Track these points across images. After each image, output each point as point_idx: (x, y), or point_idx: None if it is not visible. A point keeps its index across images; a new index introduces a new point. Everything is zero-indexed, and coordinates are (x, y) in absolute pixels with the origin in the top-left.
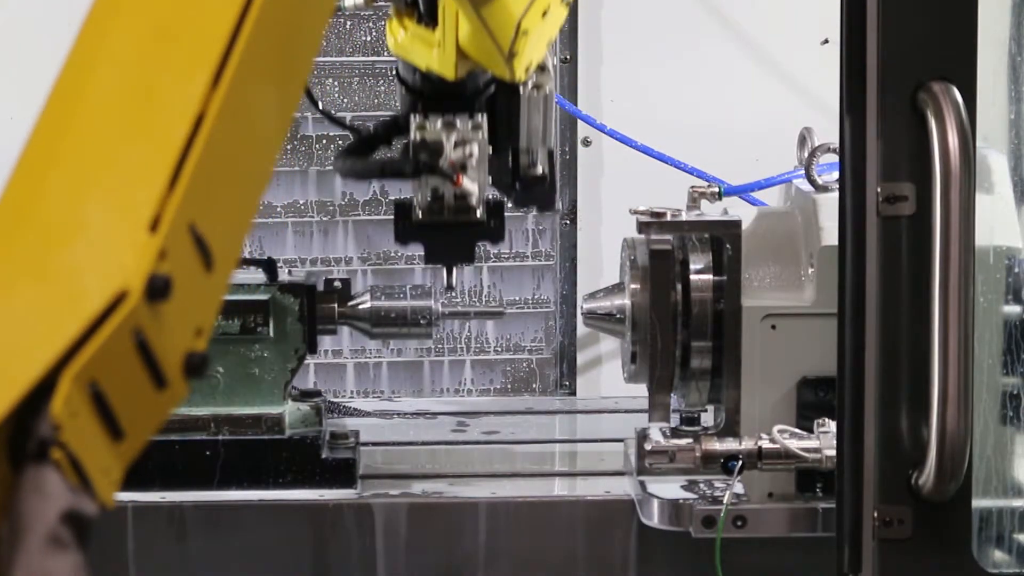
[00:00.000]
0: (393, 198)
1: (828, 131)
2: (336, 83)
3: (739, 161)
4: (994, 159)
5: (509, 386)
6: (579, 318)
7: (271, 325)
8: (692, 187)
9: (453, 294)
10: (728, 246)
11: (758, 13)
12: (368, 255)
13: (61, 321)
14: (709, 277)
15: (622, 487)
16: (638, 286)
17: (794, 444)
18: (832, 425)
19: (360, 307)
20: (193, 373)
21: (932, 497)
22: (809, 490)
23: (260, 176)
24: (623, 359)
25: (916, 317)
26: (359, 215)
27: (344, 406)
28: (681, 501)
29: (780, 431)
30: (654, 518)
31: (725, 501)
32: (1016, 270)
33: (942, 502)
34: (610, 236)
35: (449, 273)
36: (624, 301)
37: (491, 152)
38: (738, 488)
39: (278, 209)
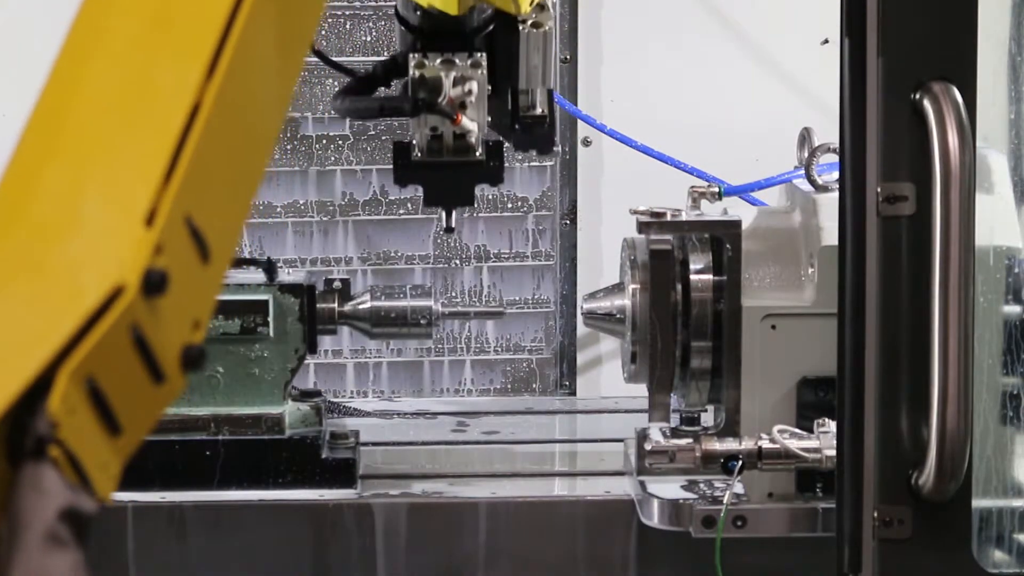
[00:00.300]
0: (394, 197)
1: (828, 131)
2: (336, 83)
3: (739, 161)
4: (994, 159)
5: (509, 386)
6: (579, 318)
7: (271, 325)
8: (692, 187)
9: (457, 231)
10: (728, 246)
11: (758, 13)
12: (368, 255)
13: (57, 317)
14: (709, 277)
15: (622, 487)
16: (638, 286)
17: (794, 444)
18: (832, 425)
19: (360, 307)
20: (191, 366)
21: (932, 497)
22: (809, 490)
23: (256, 166)
24: (623, 359)
25: (916, 317)
26: (359, 215)
27: (344, 406)
28: (681, 501)
29: (780, 431)
30: (654, 518)
31: (725, 501)
32: (1016, 270)
33: (942, 502)
34: (610, 236)
35: (448, 215)
36: (624, 301)
37: (490, 93)
38: (738, 488)
39: (278, 209)
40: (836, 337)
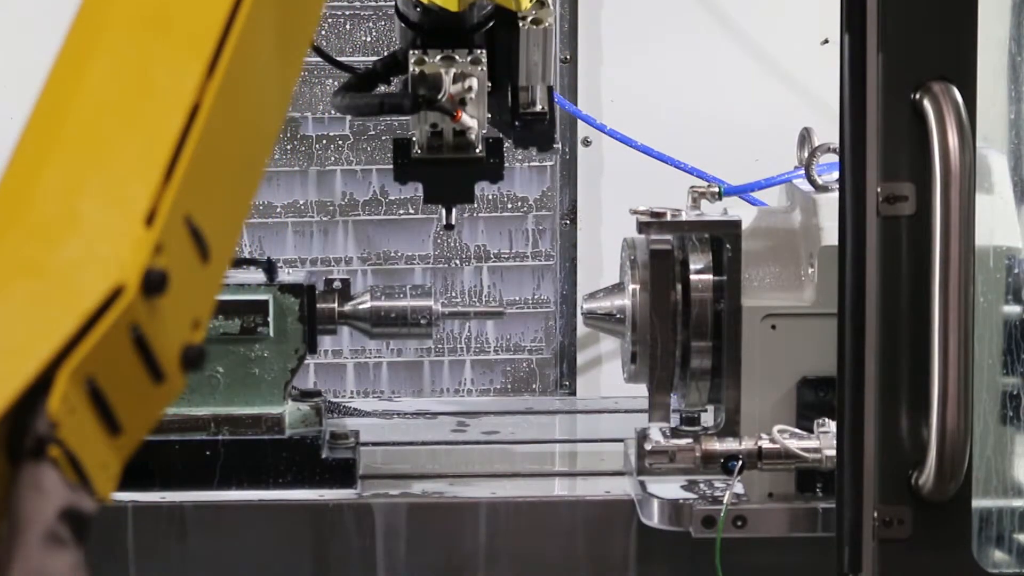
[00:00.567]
0: (394, 198)
1: (828, 131)
2: (336, 83)
3: (739, 161)
4: (994, 159)
5: (509, 386)
6: (579, 318)
7: (271, 325)
8: (692, 187)
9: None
10: (728, 246)
11: (758, 13)
12: (368, 255)
13: (57, 317)
14: (709, 277)
15: (622, 487)
16: (638, 286)
17: (794, 444)
18: (832, 425)
19: (360, 307)
20: (191, 366)
21: (932, 497)
22: (809, 490)
23: (256, 166)
24: (623, 359)
25: (916, 317)
26: (359, 215)
27: (344, 406)
28: (681, 501)
29: (780, 431)
30: (654, 518)
31: (725, 501)
32: (1016, 270)
33: (942, 502)
34: (610, 236)
35: (448, 213)
36: (624, 301)
37: (490, 90)
38: (738, 488)
39: (278, 209)
40: (836, 337)
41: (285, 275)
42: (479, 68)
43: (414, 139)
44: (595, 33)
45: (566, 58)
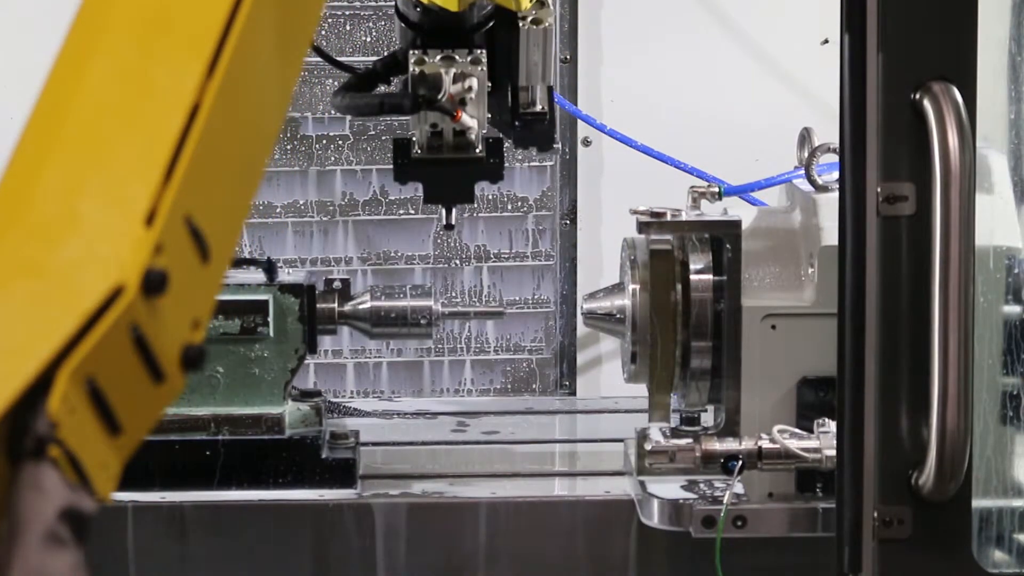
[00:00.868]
0: (394, 198)
1: (828, 131)
2: (336, 83)
3: (739, 161)
4: (994, 159)
5: (509, 386)
6: (579, 318)
7: (271, 325)
8: (692, 187)
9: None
10: (728, 246)
11: (758, 13)
12: (368, 255)
13: (57, 317)
14: (709, 277)
15: (622, 487)
16: (638, 286)
17: (794, 444)
18: (832, 425)
19: (360, 307)
20: (191, 366)
21: (932, 497)
22: (809, 490)
23: (256, 166)
24: (623, 359)
25: (916, 317)
26: (359, 215)
27: (344, 406)
28: (681, 501)
29: (780, 431)
30: (654, 518)
31: (725, 501)
32: (1016, 270)
33: (942, 502)
34: (610, 236)
35: (448, 213)
36: (624, 301)
37: (490, 90)
38: (738, 488)
39: (278, 209)
40: (836, 337)
41: (285, 275)
42: (479, 68)
43: (414, 139)
44: (595, 33)
45: (566, 58)
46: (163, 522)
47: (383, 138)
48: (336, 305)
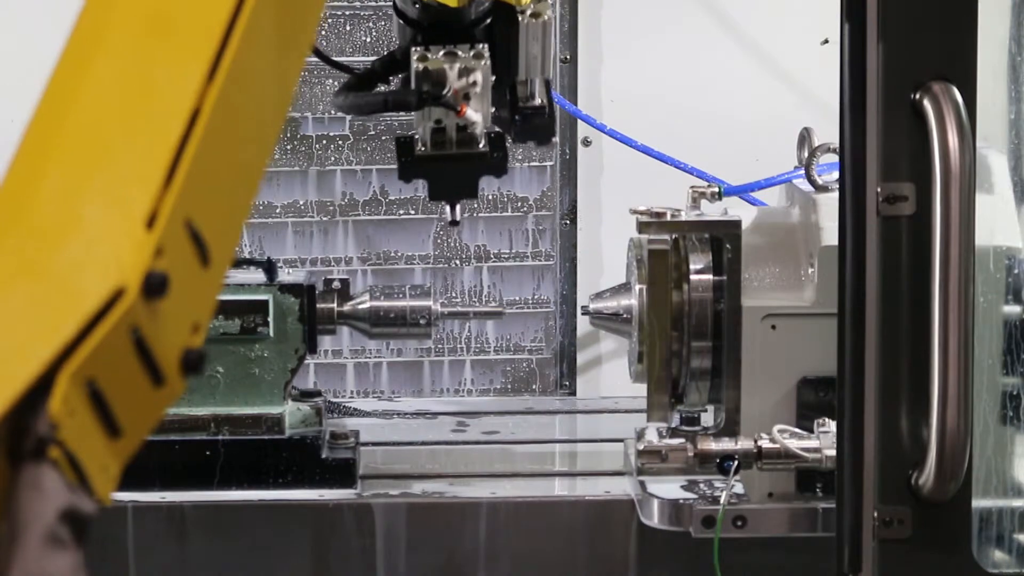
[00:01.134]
0: (394, 198)
1: (828, 131)
2: (336, 83)
3: (739, 161)
4: (994, 159)
5: (509, 386)
6: (579, 318)
7: (271, 325)
8: (692, 187)
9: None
10: (728, 246)
11: (758, 13)
12: (368, 255)
13: (58, 319)
14: (709, 277)
15: (622, 487)
16: (644, 286)
17: (794, 444)
18: (832, 425)
19: (359, 307)
20: (191, 370)
21: (932, 497)
22: (809, 490)
23: (256, 170)
24: (629, 358)
25: (916, 317)
26: (359, 215)
27: (344, 406)
28: (681, 501)
29: (780, 431)
30: (654, 518)
31: (722, 501)
32: (1016, 270)
33: (942, 502)
34: (610, 236)
35: (452, 209)
36: (630, 301)
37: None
38: (739, 488)
39: (278, 209)
40: (836, 337)
41: (285, 275)
42: (482, 62)
43: (416, 137)
44: (595, 33)
45: (566, 58)
46: (163, 522)
47: (383, 138)
48: (335, 305)
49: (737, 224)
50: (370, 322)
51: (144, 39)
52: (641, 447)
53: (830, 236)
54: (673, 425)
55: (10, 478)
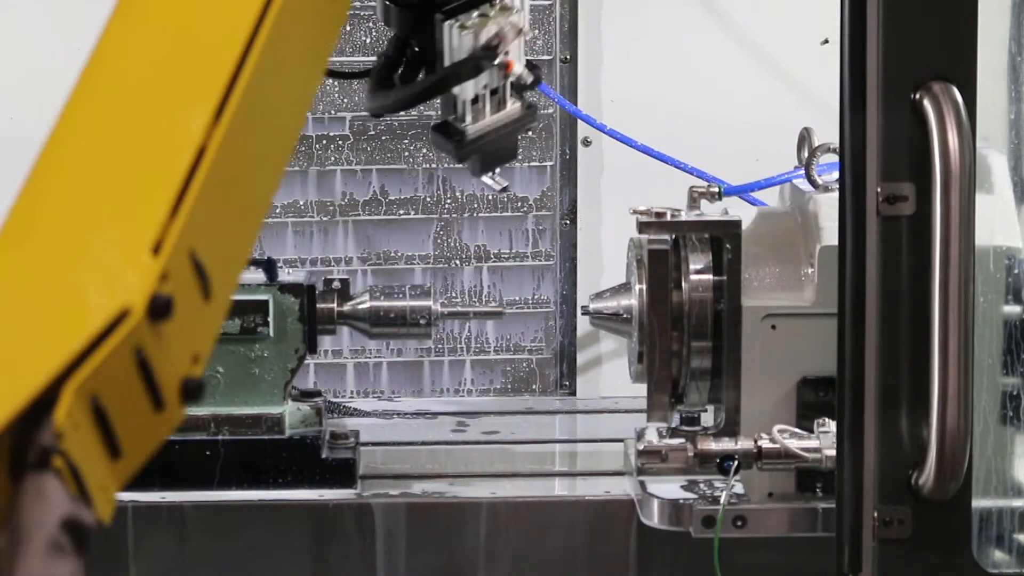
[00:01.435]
0: (394, 197)
1: (828, 131)
2: (336, 84)
3: (739, 161)
4: (994, 159)
5: (509, 386)
6: (579, 318)
7: (271, 325)
8: (692, 187)
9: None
10: (728, 246)
11: (758, 13)
12: (368, 255)
13: (65, 334)
14: (709, 277)
15: (622, 487)
16: (644, 286)
17: (794, 444)
18: (832, 425)
19: (359, 307)
20: (190, 398)
21: (932, 497)
22: (809, 490)
23: (259, 206)
24: (630, 358)
25: (916, 317)
26: (359, 215)
27: (344, 406)
28: (681, 501)
29: (780, 431)
30: (654, 518)
31: (722, 501)
32: (1016, 270)
33: (942, 502)
34: (610, 236)
35: (494, 174)
36: (630, 301)
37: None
38: (739, 488)
39: (278, 209)
40: (836, 337)
41: (285, 275)
42: (513, 12)
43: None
44: (595, 33)
45: (566, 58)
46: (163, 522)
47: (383, 138)
48: (335, 305)
49: (737, 224)
50: (370, 322)
51: (155, 77)
52: (641, 447)
53: (830, 236)
54: (673, 425)
55: (13, 489)
